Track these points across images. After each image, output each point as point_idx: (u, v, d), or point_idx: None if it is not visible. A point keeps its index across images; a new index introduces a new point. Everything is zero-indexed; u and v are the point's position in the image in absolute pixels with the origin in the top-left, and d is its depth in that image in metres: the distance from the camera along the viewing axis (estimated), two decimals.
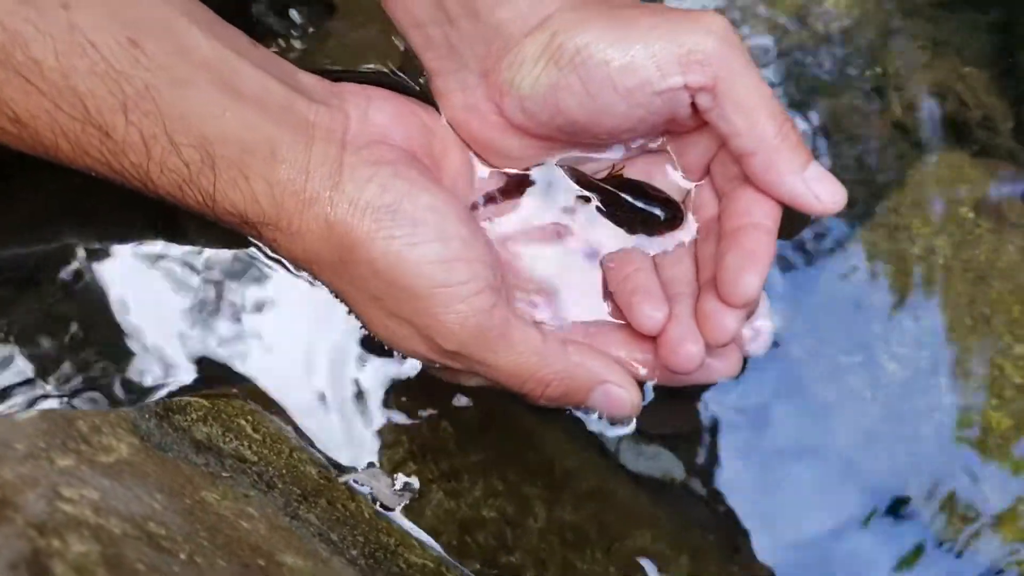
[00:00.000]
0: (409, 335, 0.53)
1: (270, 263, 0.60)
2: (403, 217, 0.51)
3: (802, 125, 0.63)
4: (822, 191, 0.52)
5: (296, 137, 0.51)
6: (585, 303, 0.57)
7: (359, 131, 0.53)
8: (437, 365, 0.55)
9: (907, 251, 0.62)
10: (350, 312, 0.56)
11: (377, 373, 0.59)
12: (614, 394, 0.55)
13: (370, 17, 0.64)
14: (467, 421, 0.59)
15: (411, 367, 0.58)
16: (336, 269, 0.53)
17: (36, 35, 0.47)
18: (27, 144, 0.51)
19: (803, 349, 0.60)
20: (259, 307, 0.60)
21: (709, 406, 0.60)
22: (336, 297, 0.56)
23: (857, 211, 0.63)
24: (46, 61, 0.48)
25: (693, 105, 0.53)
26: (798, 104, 0.64)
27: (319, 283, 0.56)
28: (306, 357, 0.59)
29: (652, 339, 0.55)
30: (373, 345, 0.59)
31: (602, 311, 0.58)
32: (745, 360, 0.58)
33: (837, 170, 0.57)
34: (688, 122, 0.54)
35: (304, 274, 0.58)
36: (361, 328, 0.57)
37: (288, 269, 0.60)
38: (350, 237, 0.51)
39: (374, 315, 0.53)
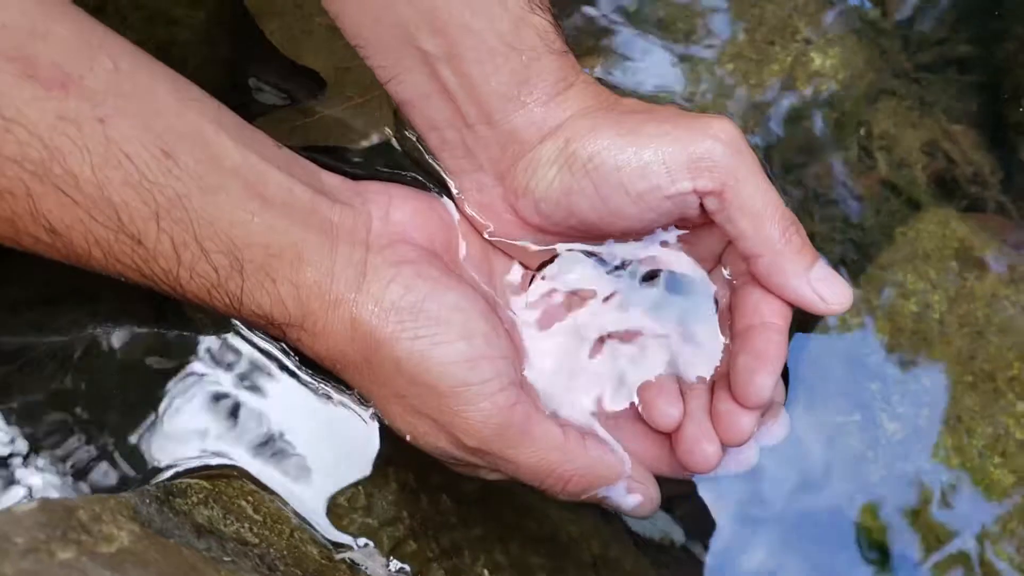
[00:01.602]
0: (432, 431, 0.53)
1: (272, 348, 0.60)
2: (427, 317, 0.50)
3: (794, 192, 0.63)
4: (827, 292, 0.52)
5: (321, 239, 0.51)
6: (602, 392, 0.57)
7: (381, 231, 0.53)
8: (458, 460, 0.54)
9: (902, 307, 0.62)
10: (371, 408, 0.56)
11: (377, 449, 0.59)
12: (634, 491, 0.54)
13: (361, 91, 0.64)
14: (468, 493, 0.59)
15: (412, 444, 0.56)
16: (360, 368, 0.52)
17: (74, 149, 0.48)
18: (61, 253, 0.51)
19: (799, 409, 0.60)
20: (258, 388, 0.60)
21: None
22: (358, 394, 0.56)
23: (851, 269, 0.63)
24: (83, 174, 0.48)
25: (701, 207, 0.53)
26: (789, 166, 0.64)
27: (343, 381, 0.55)
28: (307, 436, 0.59)
29: (668, 436, 0.55)
30: (375, 422, 0.59)
31: (619, 401, 0.57)
32: None
33: (829, 230, 0.59)
34: (698, 219, 0.54)
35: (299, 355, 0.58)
36: (382, 424, 0.57)
37: (288, 352, 0.60)
38: (374, 337, 0.51)
39: (397, 412, 0.53)
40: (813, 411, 0.61)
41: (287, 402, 0.59)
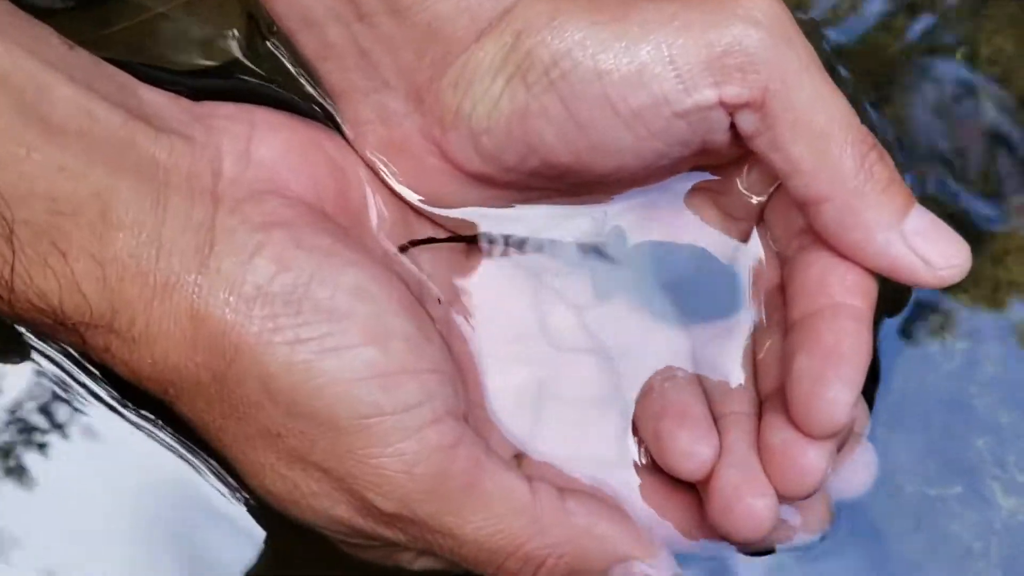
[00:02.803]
0: (322, 492, 0.47)
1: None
2: (313, 308, 0.46)
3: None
4: (933, 252, 0.47)
5: (140, 188, 0.46)
6: (590, 432, 0.52)
7: (238, 176, 0.48)
8: (366, 538, 0.49)
9: None
10: (221, 455, 0.50)
11: (249, 549, 0.54)
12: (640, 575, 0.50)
13: None
14: None
15: (314, 542, 0.51)
16: (206, 392, 0.47)
17: None
18: None
19: (876, 477, 0.52)
20: (41, 440, 0.54)
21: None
22: (203, 434, 0.50)
23: None
24: None
25: (733, 128, 0.48)
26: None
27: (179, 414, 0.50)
28: (126, 526, 0.54)
29: (694, 487, 0.50)
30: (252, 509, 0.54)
31: (618, 443, 0.52)
32: None
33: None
34: (728, 150, 0.49)
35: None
36: (237, 485, 0.53)
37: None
38: (230, 342, 0.46)
39: (264, 461, 0.47)
40: (891, 478, 0.54)
41: (93, 465, 0.54)
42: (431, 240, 0.51)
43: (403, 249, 0.51)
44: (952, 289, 0.56)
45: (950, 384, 0.55)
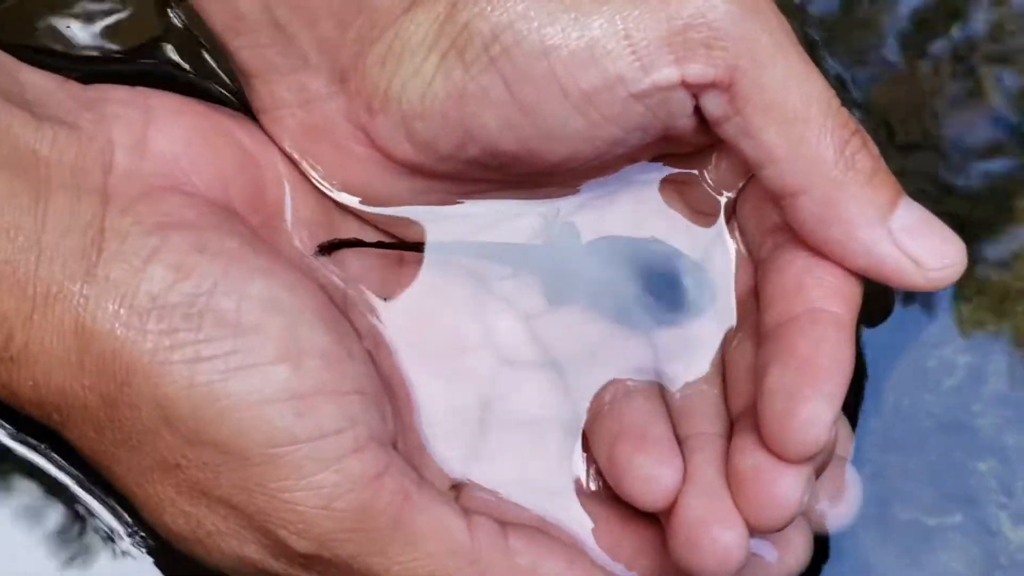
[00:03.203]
0: (229, 530, 0.45)
1: None
2: (216, 323, 0.43)
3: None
4: (924, 251, 0.44)
5: (15, 184, 0.44)
6: (538, 457, 0.50)
7: (132, 170, 0.46)
8: None
9: None
10: (114, 489, 0.47)
11: None
12: None
13: None
14: None
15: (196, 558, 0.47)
16: (95, 418, 0.45)
17: None
18: None
19: (866, 503, 0.50)
20: None
21: None
22: (94, 464, 0.47)
23: None
24: None
25: (698, 112, 0.46)
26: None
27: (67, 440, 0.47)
28: None
29: (655, 518, 0.47)
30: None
31: (570, 469, 0.50)
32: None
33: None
34: (691, 139, 0.47)
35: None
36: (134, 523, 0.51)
37: None
38: (121, 361, 0.43)
39: (163, 495, 0.45)
40: (883, 507, 0.52)
41: None
42: (357, 243, 0.48)
43: (323, 252, 0.48)
44: (955, 296, 0.54)
45: (950, 401, 0.53)
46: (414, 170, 0.47)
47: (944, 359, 0.53)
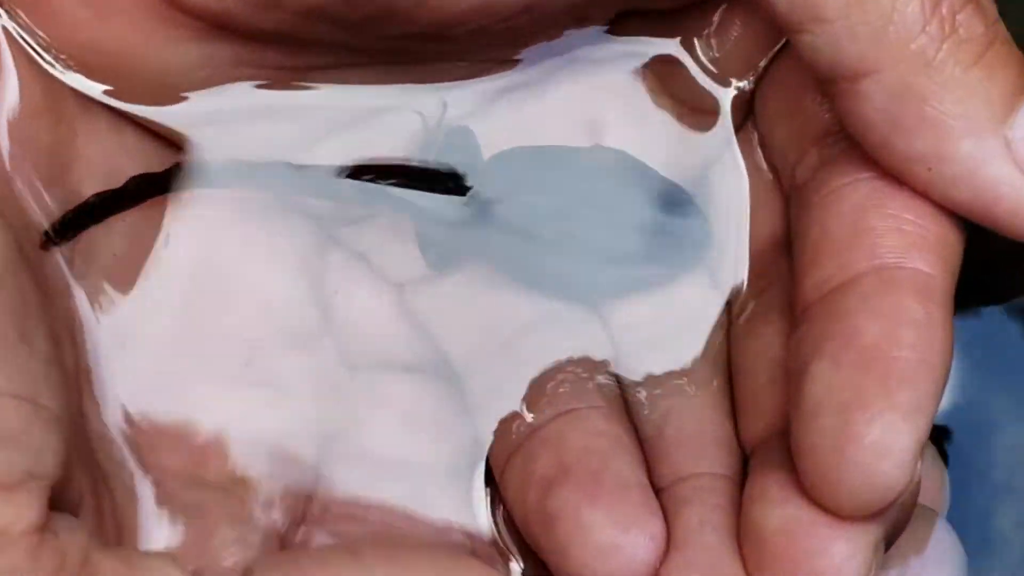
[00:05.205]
0: None
1: None
2: None
3: None
4: None
5: None
6: (412, 510, 0.37)
7: None
8: None
9: None
10: None
11: None
12: None
13: None
14: None
15: None
16: None
17: None
18: None
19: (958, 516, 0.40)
20: None
21: None
22: None
23: None
24: None
25: None
26: None
27: None
28: None
29: None
30: None
31: (460, 530, 0.38)
32: None
33: None
34: None
35: None
36: None
37: None
38: None
39: None
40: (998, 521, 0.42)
41: None
42: (98, 211, 0.34)
43: (55, 240, 0.34)
44: None
45: None
46: (216, 28, 0.33)
47: None
